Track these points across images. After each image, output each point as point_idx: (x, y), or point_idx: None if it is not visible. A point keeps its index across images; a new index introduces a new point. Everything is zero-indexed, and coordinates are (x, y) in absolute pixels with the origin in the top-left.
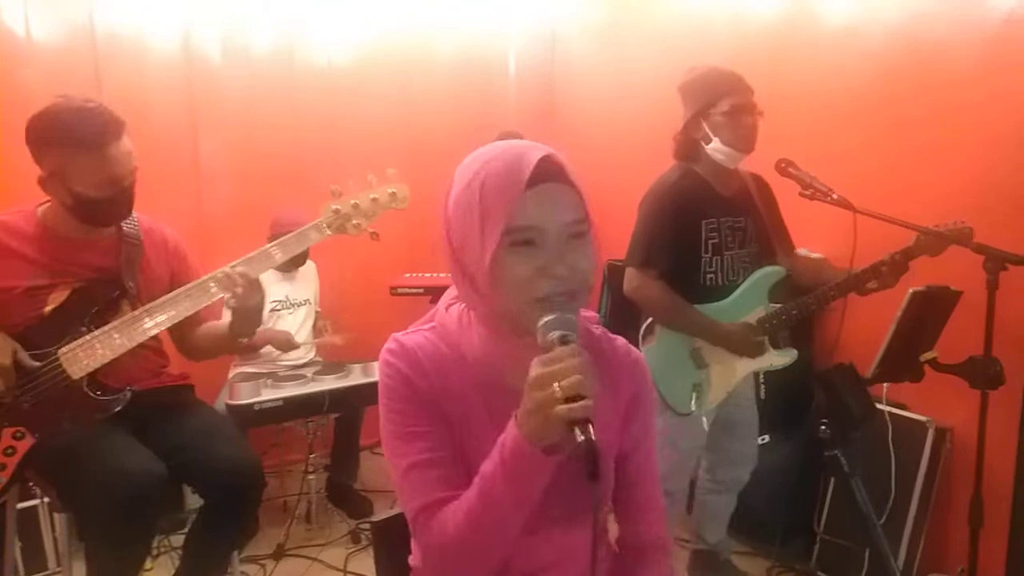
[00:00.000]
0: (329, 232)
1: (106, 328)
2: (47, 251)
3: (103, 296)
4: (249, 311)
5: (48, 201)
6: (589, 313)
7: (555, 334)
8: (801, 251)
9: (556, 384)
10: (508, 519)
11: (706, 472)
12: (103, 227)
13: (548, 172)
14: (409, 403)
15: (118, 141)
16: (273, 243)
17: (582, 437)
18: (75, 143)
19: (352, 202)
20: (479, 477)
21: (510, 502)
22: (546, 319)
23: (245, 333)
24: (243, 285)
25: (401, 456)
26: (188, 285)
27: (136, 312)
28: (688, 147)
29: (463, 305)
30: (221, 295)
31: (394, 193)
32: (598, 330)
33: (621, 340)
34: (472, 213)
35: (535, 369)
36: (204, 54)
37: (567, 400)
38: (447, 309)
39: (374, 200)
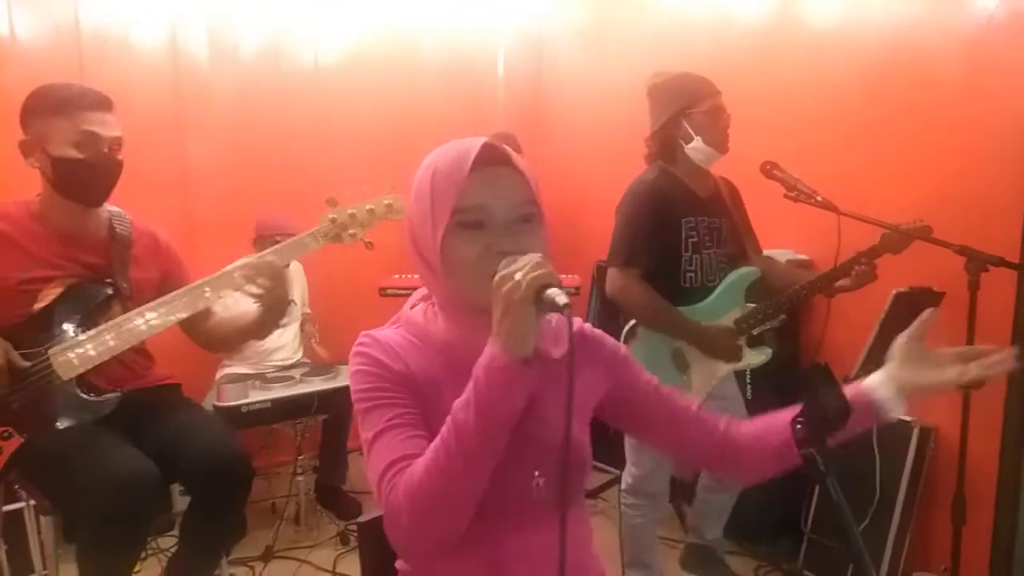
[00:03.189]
0: (324, 241)
1: (99, 329)
2: (41, 242)
3: (95, 295)
4: (275, 303)
5: (42, 193)
6: None
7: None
8: (786, 253)
9: (517, 273)
10: (479, 451)
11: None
12: (88, 205)
13: (493, 157)
14: (382, 380)
15: (97, 112)
16: (268, 251)
17: (551, 291)
18: (53, 108)
19: (348, 212)
20: (450, 414)
21: (482, 427)
22: (504, 260)
23: (273, 321)
24: (268, 275)
25: (370, 428)
26: (183, 288)
27: (129, 314)
28: (666, 147)
29: (427, 303)
30: (216, 300)
31: (390, 204)
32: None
33: (578, 320)
34: (424, 200)
35: (496, 276)
36: (190, 53)
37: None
38: (411, 308)
39: (370, 211)
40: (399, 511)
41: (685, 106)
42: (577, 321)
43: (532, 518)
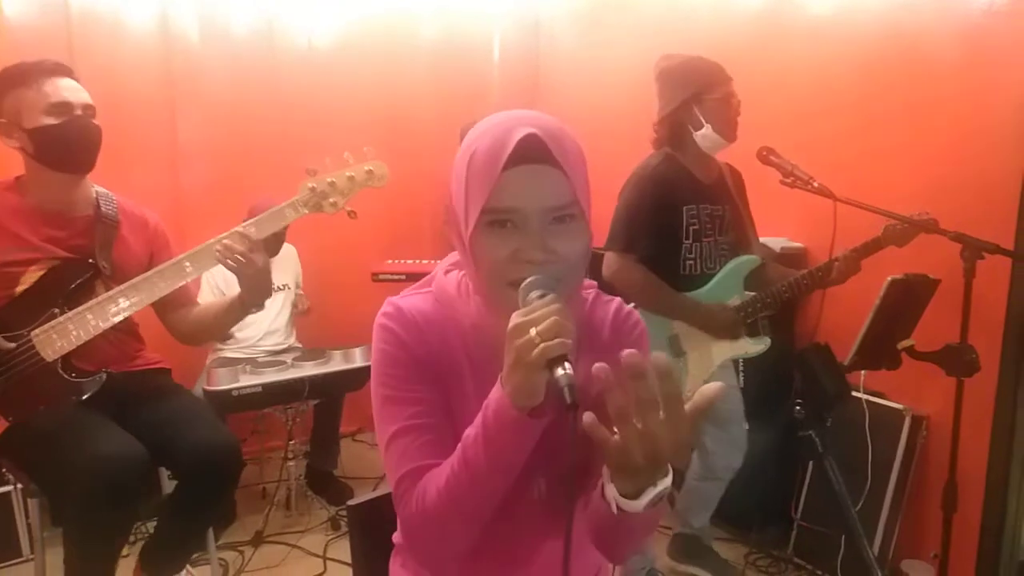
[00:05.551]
0: (305, 211)
1: (80, 309)
2: (24, 223)
3: (76, 276)
4: (256, 276)
5: (25, 172)
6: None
7: (534, 293)
8: (780, 240)
9: (533, 329)
10: (488, 486)
11: (698, 460)
12: (75, 172)
13: (533, 152)
14: (403, 367)
15: (60, 77)
16: (248, 221)
17: (560, 372)
18: (18, 81)
19: (328, 180)
20: (462, 442)
21: (491, 468)
22: (527, 281)
23: (255, 301)
24: (243, 250)
25: (389, 421)
26: (162, 265)
27: (110, 293)
28: (675, 133)
29: (461, 272)
30: (197, 275)
31: (371, 171)
32: (591, 294)
33: (617, 300)
34: (460, 187)
35: (513, 320)
36: (182, 33)
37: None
38: (445, 274)
39: (350, 178)
40: (412, 527)
41: (697, 92)
42: (616, 301)
43: (530, 521)
